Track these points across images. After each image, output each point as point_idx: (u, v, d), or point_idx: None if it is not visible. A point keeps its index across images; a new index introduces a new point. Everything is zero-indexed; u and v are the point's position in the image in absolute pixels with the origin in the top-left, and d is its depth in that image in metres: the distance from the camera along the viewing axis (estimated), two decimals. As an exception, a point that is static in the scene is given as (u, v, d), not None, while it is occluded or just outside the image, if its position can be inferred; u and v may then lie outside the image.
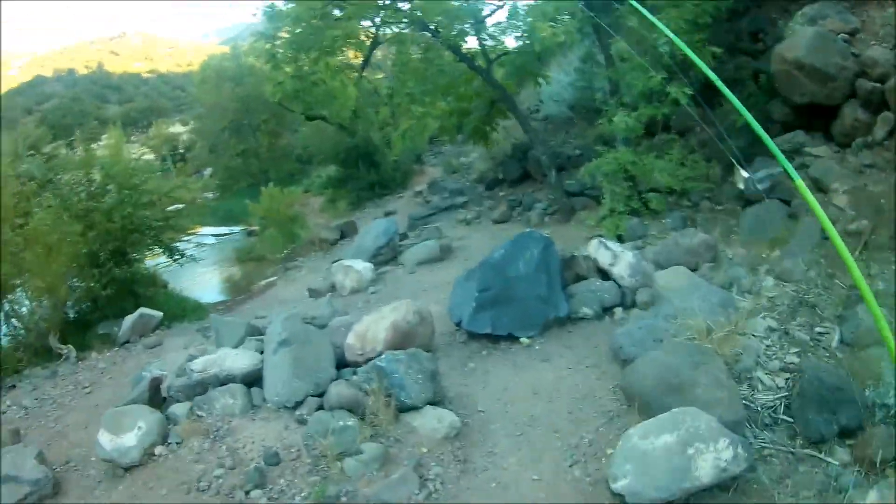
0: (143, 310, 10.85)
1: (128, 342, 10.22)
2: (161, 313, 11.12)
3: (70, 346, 9.83)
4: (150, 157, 39.91)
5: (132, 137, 44.99)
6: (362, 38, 15.46)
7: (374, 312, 6.75)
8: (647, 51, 9.12)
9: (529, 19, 11.38)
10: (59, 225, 10.34)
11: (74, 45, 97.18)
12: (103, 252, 11.28)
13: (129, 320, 10.46)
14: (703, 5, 9.21)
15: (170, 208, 31.86)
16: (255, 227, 22.57)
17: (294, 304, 11.06)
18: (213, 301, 15.33)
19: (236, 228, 24.43)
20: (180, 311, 12.72)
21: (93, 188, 12.32)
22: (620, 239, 9.91)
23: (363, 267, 10.71)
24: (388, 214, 17.96)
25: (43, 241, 9.97)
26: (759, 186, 8.70)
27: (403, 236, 13.76)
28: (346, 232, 16.75)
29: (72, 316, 11.32)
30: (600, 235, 10.62)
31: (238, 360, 6.66)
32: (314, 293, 11.19)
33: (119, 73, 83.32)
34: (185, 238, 25.38)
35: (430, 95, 13.77)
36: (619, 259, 7.70)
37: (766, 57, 10.40)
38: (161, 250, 13.75)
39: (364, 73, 25.06)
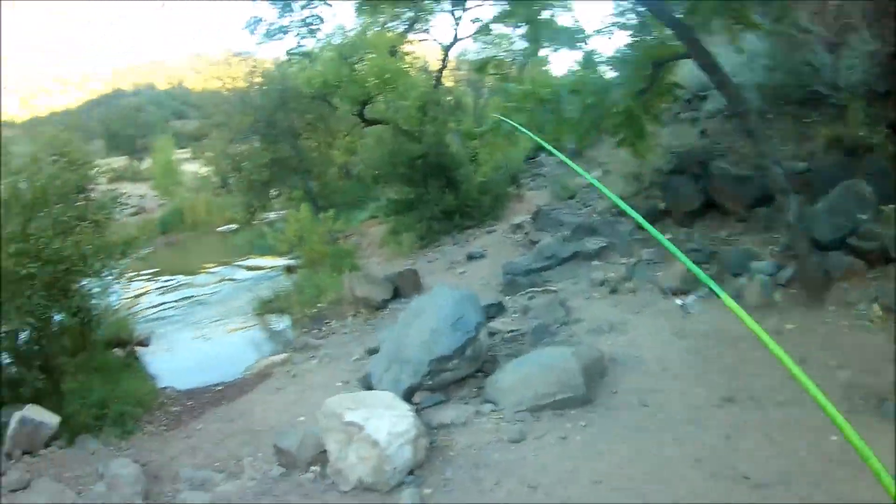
0: (28, 410, 6.94)
1: (10, 457, 6.55)
2: (56, 418, 7.04)
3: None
4: (206, 172, 35.04)
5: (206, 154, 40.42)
6: None
7: None
8: None
9: None
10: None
11: (154, 61, 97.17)
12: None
13: (12, 423, 6.75)
14: None
15: (221, 229, 26.16)
16: (295, 262, 16.53)
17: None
18: (186, 386, 9.39)
19: (285, 261, 18.19)
20: (97, 411, 7.70)
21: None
22: None
23: (389, 433, 4.24)
24: (471, 259, 11.61)
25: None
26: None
27: (495, 311, 7.29)
28: (403, 289, 10.41)
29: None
30: None
31: None
32: (283, 456, 4.94)
33: (199, 90, 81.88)
34: (210, 270, 19.44)
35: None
36: None
37: None
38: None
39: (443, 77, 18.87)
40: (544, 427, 4.63)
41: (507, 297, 8.37)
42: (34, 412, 7.11)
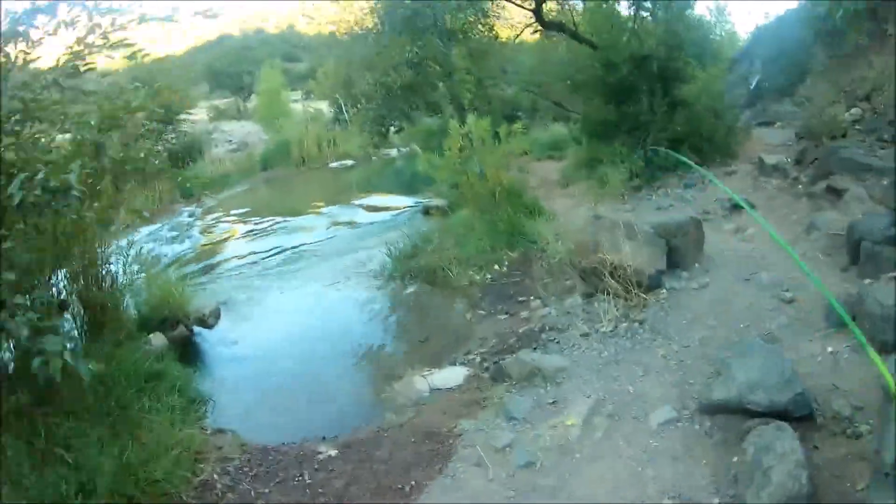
0: None
1: None
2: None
3: None
4: (320, 106, 31.89)
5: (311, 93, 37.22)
6: None
7: None
8: None
9: None
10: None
11: (264, 9, 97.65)
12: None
13: None
14: None
15: (333, 164, 22.50)
16: (438, 203, 12.08)
17: None
18: (262, 436, 4.92)
19: (418, 201, 13.83)
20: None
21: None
22: None
23: None
24: (737, 209, 7.56)
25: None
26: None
27: None
28: (681, 254, 5.79)
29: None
30: None
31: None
32: None
33: (312, 34, 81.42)
34: (320, 210, 15.25)
35: None
36: None
37: None
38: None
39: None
40: None
41: (867, 282, 5.06)
42: None
